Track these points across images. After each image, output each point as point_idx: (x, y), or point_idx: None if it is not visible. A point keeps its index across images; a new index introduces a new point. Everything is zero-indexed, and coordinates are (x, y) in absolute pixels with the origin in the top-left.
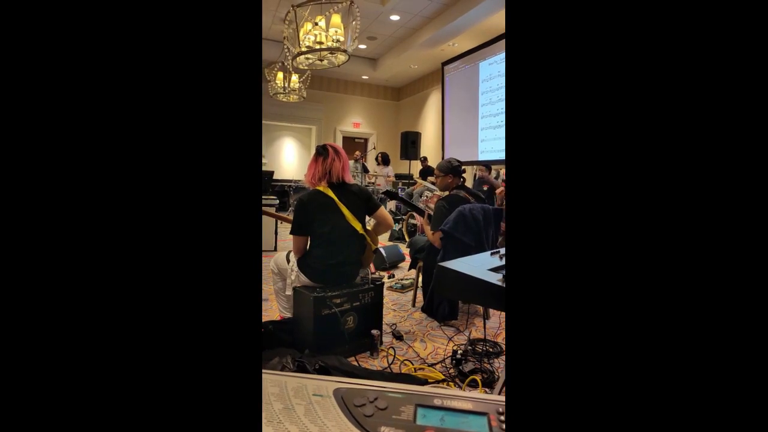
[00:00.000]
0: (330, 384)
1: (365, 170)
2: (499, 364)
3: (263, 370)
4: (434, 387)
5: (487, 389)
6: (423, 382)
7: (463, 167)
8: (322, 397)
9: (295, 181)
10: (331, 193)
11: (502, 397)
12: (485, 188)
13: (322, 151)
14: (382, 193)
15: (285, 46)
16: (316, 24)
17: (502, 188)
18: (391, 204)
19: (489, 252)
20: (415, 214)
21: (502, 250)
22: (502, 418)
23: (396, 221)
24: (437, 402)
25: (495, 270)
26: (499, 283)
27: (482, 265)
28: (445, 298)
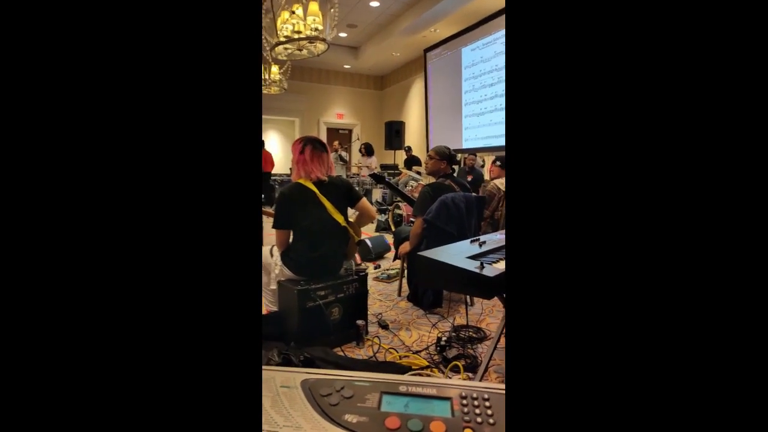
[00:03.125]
0: (298, 375)
1: (343, 161)
2: (482, 350)
3: None
4: (409, 375)
5: (469, 374)
6: (406, 369)
7: (459, 157)
8: (289, 389)
9: (280, 175)
10: (312, 186)
11: (466, 382)
12: (469, 178)
13: (319, 146)
14: (369, 175)
15: (263, 37)
16: (293, 12)
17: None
18: (377, 194)
19: (469, 240)
20: (401, 204)
21: (482, 238)
22: (465, 401)
23: (381, 212)
24: (402, 389)
25: (473, 257)
26: (477, 271)
27: (461, 253)
28: (429, 287)
